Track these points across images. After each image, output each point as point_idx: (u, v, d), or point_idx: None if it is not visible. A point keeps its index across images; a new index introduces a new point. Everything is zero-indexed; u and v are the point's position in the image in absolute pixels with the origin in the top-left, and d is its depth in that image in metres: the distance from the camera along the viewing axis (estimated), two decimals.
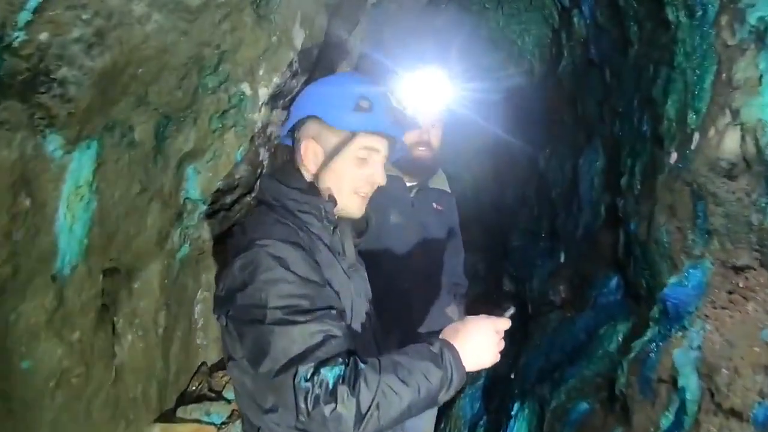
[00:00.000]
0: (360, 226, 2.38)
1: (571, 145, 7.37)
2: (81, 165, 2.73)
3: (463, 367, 1.91)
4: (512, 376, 5.51)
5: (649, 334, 3.47)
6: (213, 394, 4.08)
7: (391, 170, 3.27)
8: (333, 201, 2.12)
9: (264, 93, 3.73)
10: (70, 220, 2.74)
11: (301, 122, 2.20)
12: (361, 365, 1.78)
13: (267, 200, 2.16)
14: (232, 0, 3.15)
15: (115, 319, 3.29)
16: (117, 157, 2.94)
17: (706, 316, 3.04)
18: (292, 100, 4.33)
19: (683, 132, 3.61)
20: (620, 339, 4.20)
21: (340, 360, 1.76)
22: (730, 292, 2.99)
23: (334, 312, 1.91)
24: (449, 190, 3.77)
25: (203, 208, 3.77)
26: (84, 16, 2.35)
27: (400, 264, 3.33)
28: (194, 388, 4.11)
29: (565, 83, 7.64)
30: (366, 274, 2.45)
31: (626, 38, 5.17)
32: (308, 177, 2.18)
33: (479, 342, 1.97)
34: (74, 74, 2.44)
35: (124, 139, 2.96)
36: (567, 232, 6.28)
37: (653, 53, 4.42)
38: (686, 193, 3.46)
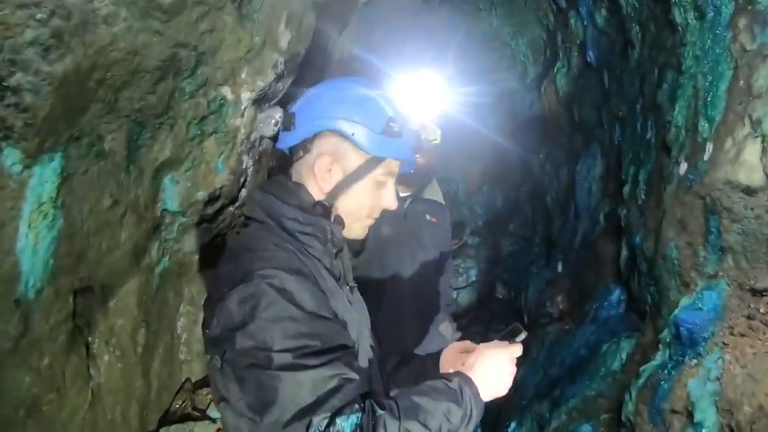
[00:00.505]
0: (355, 246, 2.28)
1: (566, 150, 7.23)
2: (43, 180, 2.49)
3: (482, 401, 1.80)
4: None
5: (659, 358, 3.25)
6: (197, 413, 3.87)
7: None
8: (341, 223, 1.94)
9: (247, 97, 3.50)
10: (33, 240, 2.51)
11: (319, 134, 1.96)
12: (379, 411, 1.62)
13: (260, 218, 1.91)
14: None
15: (89, 339, 3.07)
16: (85, 170, 2.71)
17: (724, 343, 2.81)
18: (280, 102, 4.13)
19: (694, 141, 3.41)
20: (624, 357, 4.00)
21: (356, 407, 1.60)
22: (749, 317, 2.78)
23: (347, 350, 1.75)
24: (443, 201, 3.59)
25: (183, 220, 3.54)
26: (39, 16, 2.10)
27: (392, 279, 3.18)
28: (177, 406, 3.89)
29: (560, 86, 7.49)
30: (361, 297, 2.23)
31: (627, 40, 5.00)
32: (317, 195, 1.95)
33: (496, 373, 1.86)
34: (30, 81, 2.20)
35: (92, 149, 2.72)
36: (564, 239, 6.09)
37: (658, 56, 4.23)
38: (698, 206, 3.25)
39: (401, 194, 3.31)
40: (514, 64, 9.09)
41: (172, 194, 3.41)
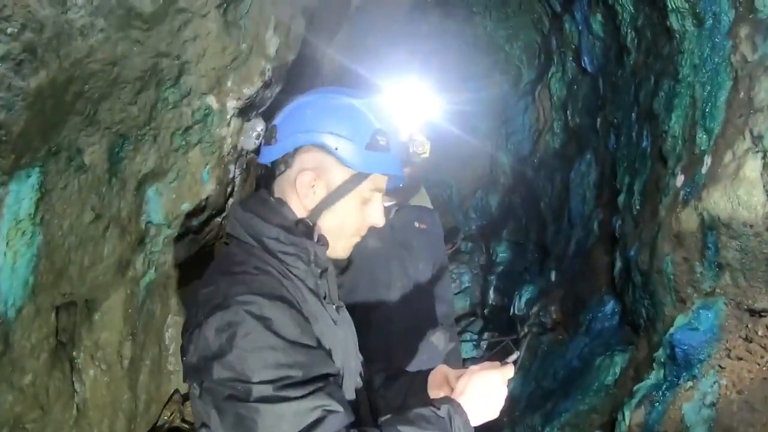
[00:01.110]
0: (341, 262, 2.21)
1: (560, 156, 7.16)
2: (20, 197, 2.43)
3: (472, 429, 1.69)
4: None
5: (653, 377, 3.16)
6: (186, 426, 3.87)
7: None
8: (325, 243, 1.84)
9: (233, 105, 3.42)
10: (11, 259, 2.46)
11: (300, 148, 1.84)
12: None
13: (241, 237, 1.81)
14: (194, 5, 2.83)
15: (74, 354, 3.03)
16: (64, 184, 2.64)
17: (721, 367, 2.72)
18: (268, 111, 4.05)
19: (691, 153, 3.34)
20: (617, 372, 3.92)
21: None
22: (747, 340, 2.68)
23: (331, 380, 1.64)
24: (431, 206, 3.47)
25: (168, 232, 3.47)
26: (9, 30, 2.02)
27: (380, 292, 3.07)
28: (166, 418, 3.85)
29: (554, 91, 7.43)
30: (348, 315, 2.13)
31: (622, 46, 4.92)
32: (300, 212, 1.84)
33: (487, 397, 1.75)
34: (2, 97, 2.13)
35: (71, 163, 2.66)
36: (557, 247, 6.02)
37: (654, 63, 4.15)
38: (695, 221, 3.17)
39: (386, 203, 3.20)
40: (507, 68, 9.01)
41: (156, 206, 3.34)
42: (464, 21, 8.52)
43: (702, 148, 3.23)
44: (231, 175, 3.75)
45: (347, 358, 1.90)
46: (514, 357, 1.85)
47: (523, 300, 6.00)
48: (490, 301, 7.89)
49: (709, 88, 3.28)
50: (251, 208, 1.82)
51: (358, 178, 1.80)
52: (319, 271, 1.80)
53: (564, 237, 6.02)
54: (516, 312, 6.12)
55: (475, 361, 6.98)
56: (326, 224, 1.83)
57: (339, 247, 1.89)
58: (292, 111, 1.88)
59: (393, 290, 3.08)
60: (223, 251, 1.94)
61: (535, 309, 5.53)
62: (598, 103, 5.86)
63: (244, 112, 3.64)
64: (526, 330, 5.47)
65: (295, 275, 1.75)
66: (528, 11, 7.80)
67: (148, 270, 3.46)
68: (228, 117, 3.42)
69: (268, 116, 3.97)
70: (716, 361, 2.73)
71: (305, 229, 1.81)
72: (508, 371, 1.80)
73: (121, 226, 3.08)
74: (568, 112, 6.99)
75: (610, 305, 4.56)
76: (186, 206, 3.47)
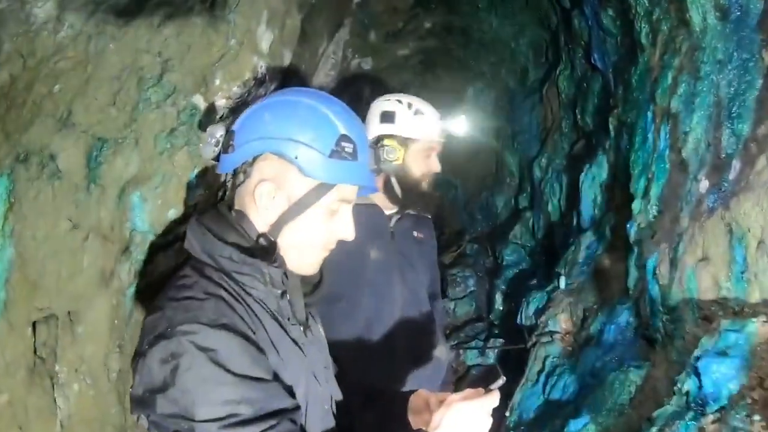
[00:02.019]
0: (311, 278, 1.94)
1: (569, 156, 6.95)
2: None
3: None
4: (506, 414, 4.99)
5: (674, 404, 2.89)
6: None
7: (366, 198, 2.97)
8: (281, 264, 1.72)
9: (222, 105, 3.24)
10: None
11: (259, 157, 1.71)
12: None
13: (196, 254, 1.70)
14: None
15: (56, 369, 2.86)
16: (36, 193, 2.48)
17: (753, 399, 2.46)
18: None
19: (716, 156, 3.11)
20: (633, 390, 3.69)
21: None
22: None
23: (286, 415, 1.53)
24: (429, 215, 3.37)
25: (154, 239, 3.28)
26: None
27: (383, 305, 2.98)
28: None
29: (562, 88, 7.23)
30: (322, 333, 2.07)
31: (636, 42, 4.68)
32: (260, 226, 1.72)
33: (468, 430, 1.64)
34: None
35: (43, 170, 2.49)
36: (566, 251, 5.77)
37: (672, 60, 3.91)
38: (721, 232, 2.95)
39: (387, 212, 3.11)
40: (513, 65, 8.81)
41: (140, 213, 3.13)
42: (469, 17, 8.33)
43: (729, 152, 3.01)
44: (222, 179, 3.54)
45: (312, 385, 1.80)
46: (499, 383, 1.70)
47: (531, 308, 5.78)
48: (496, 306, 7.67)
49: (735, 86, 3.05)
50: (206, 223, 1.72)
51: (321, 189, 1.69)
52: (279, 292, 1.72)
53: (573, 241, 5.79)
54: (523, 320, 5.90)
55: (479, 368, 6.79)
56: (288, 239, 1.73)
57: (305, 263, 1.79)
58: (250, 115, 1.76)
59: (394, 302, 2.98)
60: (177, 270, 1.75)
61: (543, 318, 5.30)
62: (608, 102, 5.65)
63: (236, 112, 3.44)
64: (534, 340, 5.24)
65: (253, 297, 1.66)
66: (535, 7, 7.60)
67: (134, 280, 3.25)
68: (217, 117, 3.22)
69: None
70: (748, 393, 2.48)
71: (264, 246, 1.71)
72: (492, 400, 1.67)
73: (101, 235, 2.89)
74: (577, 110, 6.78)
75: (624, 317, 4.33)
76: (173, 212, 3.25)
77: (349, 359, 2.82)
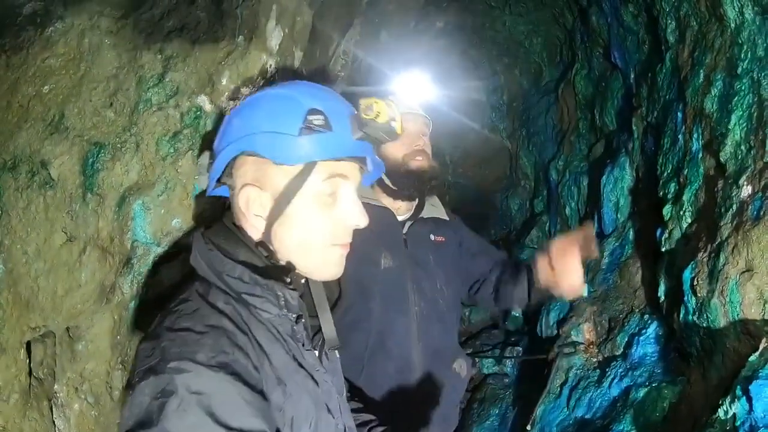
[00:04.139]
0: (330, 292, 1.84)
1: (587, 158, 6.78)
2: None
3: None
4: (528, 428, 4.80)
5: (718, 427, 2.66)
6: None
7: (375, 200, 2.91)
8: (298, 287, 1.62)
9: (230, 107, 3.01)
10: None
11: (234, 163, 1.60)
12: None
13: (202, 272, 1.55)
14: None
15: (55, 389, 2.73)
16: (25, 204, 2.32)
17: None
18: None
19: (759, 159, 2.91)
20: (666, 407, 3.50)
21: None
22: None
23: None
24: (447, 217, 3.16)
25: (158, 250, 3.12)
26: None
27: (396, 317, 2.79)
28: None
29: (579, 89, 7.07)
30: (337, 357, 1.95)
31: (661, 39, 4.50)
32: (256, 236, 1.60)
33: None
34: None
35: (34, 178, 2.32)
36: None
37: (703, 57, 3.72)
38: (767, 241, 2.73)
39: (400, 218, 2.94)
40: (528, 65, 8.69)
41: (142, 223, 2.96)
42: (482, 16, 8.23)
43: None
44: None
45: (323, 419, 1.65)
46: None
47: (551, 317, 5.59)
48: (513, 314, 7.52)
49: None
50: (213, 239, 1.58)
51: (303, 174, 1.54)
52: (294, 316, 1.57)
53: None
54: (543, 329, 5.71)
55: (496, 378, 6.62)
56: (286, 240, 1.58)
57: (317, 265, 1.63)
58: (222, 126, 1.69)
59: (410, 316, 2.79)
60: (181, 287, 1.59)
61: (565, 327, 5.11)
62: (630, 102, 5.47)
63: None
64: (555, 350, 5.05)
65: (263, 321, 1.52)
66: (549, 6, 7.50)
67: (137, 293, 3.07)
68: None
69: None
70: None
71: (280, 266, 1.59)
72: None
73: (100, 247, 2.72)
74: (595, 111, 6.63)
75: (653, 328, 4.13)
76: (177, 222, 3.06)
77: (361, 373, 2.69)
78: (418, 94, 2.95)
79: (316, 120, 1.51)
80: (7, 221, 2.26)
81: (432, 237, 2.99)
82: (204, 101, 2.90)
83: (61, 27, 2.05)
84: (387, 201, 2.89)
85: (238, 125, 1.59)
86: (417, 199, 2.98)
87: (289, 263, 1.59)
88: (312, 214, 1.56)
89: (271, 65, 3.29)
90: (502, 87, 9.37)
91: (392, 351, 2.73)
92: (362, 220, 1.65)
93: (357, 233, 2.75)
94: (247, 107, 1.63)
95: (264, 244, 1.58)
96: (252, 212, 1.56)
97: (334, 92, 1.66)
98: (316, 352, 1.68)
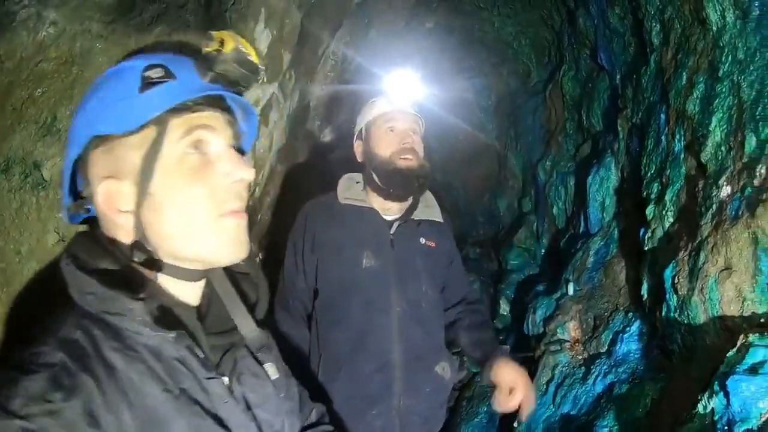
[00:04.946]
0: (249, 291, 1.54)
1: (574, 159, 6.82)
2: None
3: None
4: (515, 425, 4.84)
5: (697, 422, 2.71)
6: None
7: (365, 200, 2.88)
8: (152, 293, 1.24)
9: None
10: None
11: (86, 167, 1.30)
12: None
13: (71, 294, 1.22)
14: None
15: None
16: (18, 205, 2.30)
17: None
18: (263, 112, 3.71)
19: (738, 160, 2.96)
20: (649, 403, 3.55)
21: None
22: None
23: None
24: (441, 219, 3.08)
25: None
26: None
27: (376, 316, 2.76)
28: None
29: (567, 89, 7.11)
30: (279, 375, 1.53)
31: (646, 41, 4.55)
32: (130, 238, 1.28)
33: None
34: None
35: (27, 179, 2.30)
36: (574, 257, 5.63)
37: (686, 59, 3.77)
38: (745, 240, 2.79)
39: (388, 218, 2.89)
40: (516, 66, 8.72)
41: None
42: (470, 17, 8.23)
43: (753, 157, 2.86)
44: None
45: None
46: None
47: (538, 315, 5.62)
48: (500, 312, 7.53)
49: (759, 87, 2.90)
50: (71, 249, 1.27)
51: (156, 140, 1.24)
52: (173, 335, 1.24)
53: (581, 246, 5.65)
54: (530, 327, 5.75)
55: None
56: (164, 230, 1.26)
57: (206, 248, 1.29)
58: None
59: (391, 315, 2.76)
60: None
61: (551, 325, 5.15)
62: (616, 103, 5.51)
63: None
64: (542, 348, 5.09)
65: (138, 346, 1.21)
66: (537, 7, 7.53)
67: None
68: None
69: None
70: None
71: (127, 269, 1.26)
72: None
73: None
74: (582, 111, 6.66)
75: (636, 326, 4.18)
76: None
77: (341, 371, 2.70)
78: (408, 92, 2.91)
79: (155, 73, 1.26)
80: (1, 222, 2.24)
81: (422, 240, 2.95)
82: None
83: (53, 32, 2.06)
84: (377, 201, 2.87)
85: (75, 122, 1.31)
86: (409, 199, 2.94)
87: (158, 261, 1.28)
88: (181, 185, 1.26)
89: (259, 66, 3.33)
90: (491, 87, 9.38)
91: (372, 350, 2.72)
92: (243, 171, 1.32)
93: (340, 233, 2.78)
94: (81, 101, 1.33)
95: (140, 245, 1.27)
96: (116, 210, 1.27)
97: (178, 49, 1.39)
98: (225, 379, 1.35)
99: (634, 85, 4.91)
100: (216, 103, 1.33)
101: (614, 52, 5.54)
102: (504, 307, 7.55)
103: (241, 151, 1.43)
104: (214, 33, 1.33)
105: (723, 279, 2.92)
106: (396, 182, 2.79)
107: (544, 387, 4.85)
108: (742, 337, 2.58)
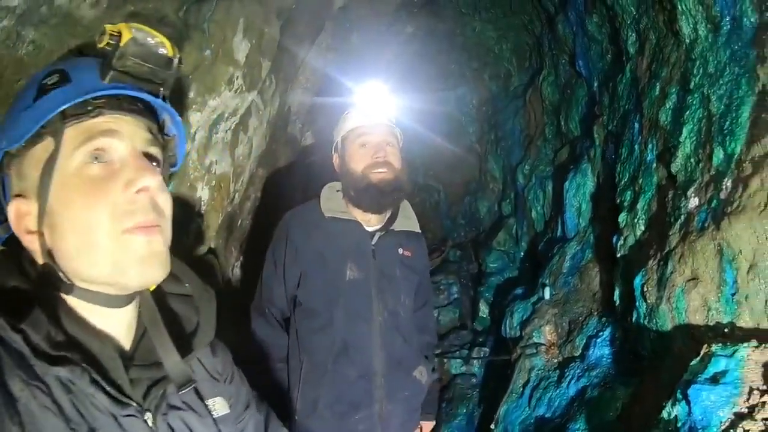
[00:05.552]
0: (189, 316, 1.39)
1: (552, 163, 6.87)
2: None
3: None
4: (492, 426, 4.90)
5: (662, 428, 2.77)
6: None
7: (347, 212, 2.91)
8: (35, 322, 1.07)
9: (197, 119, 3.10)
10: None
11: (2, 189, 1.21)
12: None
13: None
14: (147, 7, 2.47)
15: None
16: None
17: (745, 430, 2.33)
18: (241, 120, 3.74)
19: (707, 172, 3.02)
20: (619, 406, 3.60)
21: None
22: None
23: None
24: (418, 229, 3.15)
25: None
26: None
27: (359, 326, 2.84)
28: None
29: (546, 95, 7.15)
30: (216, 413, 1.40)
31: (622, 50, 4.61)
32: (41, 260, 1.16)
33: None
34: None
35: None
36: (551, 261, 5.69)
37: (660, 70, 3.83)
38: (711, 252, 2.85)
39: (369, 229, 2.93)
40: (497, 70, 8.74)
41: None
42: (452, 21, 8.26)
43: (720, 169, 2.92)
44: (198, 194, 3.41)
45: None
46: None
47: (515, 319, 5.67)
48: (480, 314, 7.57)
49: (727, 101, 2.96)
50: None
51: (51, 149, 1.14)
52: (63, 370, 1.07)
53: (558, 250, 5.70)
54: (507, 331, 5.80)
55: (464, 378, 6.70)
56: (66, 251, 1.13)
57: (109, 271, 1.13)
58: None
59: (373, 324, 2.84)
60: None
61: (528, 329, 5.21)
62: (593, 109, 5.56)
63: (215, 124, 3.33)
64: (518, 352, 5.15)
65: (46, 378, 1.06)
66: (519, 12, 7.55)
67: None
68: (192, 131, 3.08)
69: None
70: (738, 421, 2.36)
71: (11, 290, 1.12)
72: None
73: None
74: (561, 117, 6.70)
75: (609, 330, 4.24)
76: None
77: (325, 375, 2.77)
78: (382, 103, 2.90)
79: (51, 79, 1.17)
80: None
81: (400, 250, 3.01)
82: None
83: (32, 50, 2.07)
84: (357, 213, 2.90)
85: None
86: (388, 211, 2.98)
87: (68, 284, 1.15)
88: (78, 200, 1.12)
89: (237, 77, 3.35)
90: (472, 91, 9.39)
91: (354, 358, 2.78)
92: (147, 178, 1.16)
93: (323, 245, 2.81)
94: None
95: (48, 266, 1.15)
96: (25, 230, 1.16)
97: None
98: (147, 417, 1.20)
99: (611, 93, 4.96)
100: (124, 105, 1.20)
101: (592, 59, 5.58)
102: (483, 310, 7.59)
103: (173, 157, 1.36)
104: (107, 26, 1.20)
105: (689, 289, 2.97)
106: (368, 197, 2.82)
107: (521, 389, 4.91)
108: (705, 346, 2.63)
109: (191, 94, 3.00)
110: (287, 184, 5.26)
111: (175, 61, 1.27)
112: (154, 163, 1.23)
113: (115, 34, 1.19)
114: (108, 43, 1.18)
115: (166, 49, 1.25)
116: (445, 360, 6.94)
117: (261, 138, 4.28)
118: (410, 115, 8.14)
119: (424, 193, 10.49)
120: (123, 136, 1.18)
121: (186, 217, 3.38)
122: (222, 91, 3.19)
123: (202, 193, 3.44)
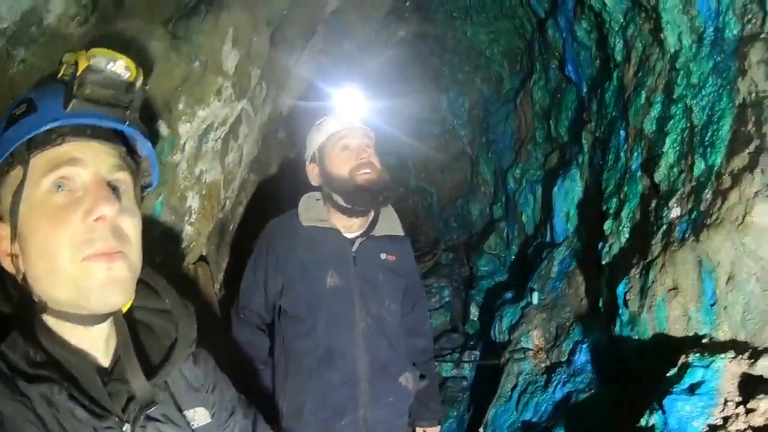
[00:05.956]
0: (167, 330, 1.42)
1: (542, 168, 6.90)
2: None
3: None
4: (481, 430, 4.94)
5: None
6: None
7: (326, 220, 2.93)
8: (10, 345, 1.14)
9: (186, 130, 3.12)
10: None
11: None
12: None
13: None
14: (135, 22, 2.51)
15: None
16: None
17: None
18: (231, 128, 3.77)
19: (688, 183, 3.06)
20: (604, 411, 3.63)
21: None
22: (748, 410, 2.34)
23: None
24: (401, 232, 3.17)
25: None
26: None
27: (341, 332, 2.87)
28: None
29: (537, 99, 7.17)
30: (196, 422, 1.44)
31: (609, 57, 4.63)
32: (18, 280, 1.21)
33: None
34: None
35: None
36: (540, 265, 5.72)
37: (645, 78, 3.86)
38: (691, 262, 2.90)
39: (349, 235, 2.97)
40: (488, 74, 8.76)
41: None
42: (443, 25, 8.28)
43: (701, 180, 2.96)
44: (188, 204, 3.44)
45: None
46: None
47: (504, 323, 5.71)
48: (471, 317, 7.60)
49: (709, 113, 3.00)
50: None
51: (20, 177, 1.18)
52: (43, 386, 1.11)
53: (546, 255, 5.73)
54: (496, 335, 5.84)
55: (454, 381, 6.73)
56: (35, 275, 1.17)
57: (71, 296, 1.16)
58: None
59: (355, 330, 2.87)
60: None
61: (516, 333, 5.25)
62: (582, 115, 5.59)
63: (205, 134, 3.36)
64: (507, 356, 5.19)
65: (30, 393, 1.11)
66: (510, 16, 7.55)
67: None
68: (181, 142, 3.11)
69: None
70: None
71: (22, 315, 1.20)
72: None
73: None
74: (551, 121, 6.72)
75: (595, 336, 4.29)
76: None
77: (309, 381, 2.81)
78: (357, 108, 2.93)
79: (19, 110, 1.21)
80: None
81: (383, 255, 3.02)
82: (161, 126, 2.98)
83: (23, 69, 2.10)
84: (339, 220, 2.92)
85: None
86: (371, 214, 3.00)
87: (42, 304, 1.19)
88: (42, 228, 1.16)
89: (227, 86, 3.38)
90: (463, 95, 9.40)
91: (338, 363, 2.82)
92: (103, 207, 1.17)
93: (304, 254, 2.85)
94: None
95: (23, 287, 1.20)
96: (4, 252, 1.21)
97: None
98: (126, 428, 1.23)
99: (599, 99, 4.98)
100: (89, 132, 1.22)
101: (581, 65, 5.60)
102: (474, 313, 7.62)
103: (147, 177, 1.40)
104: (65, 56, 1.27)
105: (670, 298, 3.02)
106: (359, 198, 2.84)
107: (509, 393, 4.96)
108: (683, 356, 2.68)
109: (180, 106, 3.02)
110: (280, 186, 5.30)
111: (138, 83, 1.29)
112: (123, 187, 1.26)
113: (72, 63, 1.24)
114: (64, 74, 1.23)
115: (130, 71, 1.27)
116: (436, 363, 6.96)
117: (252, 144, 4.32)
118: (402, 119, 8.20)
119: (417, 196, 10.54)
120: (87, 163, 1.20)
121: (177, 227, 3.41)
122: (211, 101, 3.22)
123: (192, 203, 3.47)
